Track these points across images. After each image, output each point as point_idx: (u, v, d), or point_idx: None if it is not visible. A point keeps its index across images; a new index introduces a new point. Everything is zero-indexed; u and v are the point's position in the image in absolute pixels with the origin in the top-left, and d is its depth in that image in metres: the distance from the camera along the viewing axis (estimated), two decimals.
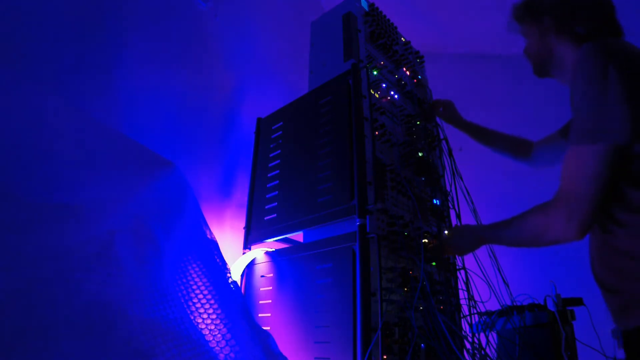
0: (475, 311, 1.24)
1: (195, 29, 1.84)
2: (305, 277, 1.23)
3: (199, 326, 1.00)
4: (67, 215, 0.92)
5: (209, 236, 1.20)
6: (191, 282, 1.07)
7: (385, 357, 0.98)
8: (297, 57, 2.27)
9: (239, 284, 1.35)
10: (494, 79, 2.80)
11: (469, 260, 1.26)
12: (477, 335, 1.17)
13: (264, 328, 1.17)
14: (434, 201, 1.37)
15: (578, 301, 1.19)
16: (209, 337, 0.99)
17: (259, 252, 1.45)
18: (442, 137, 1.52)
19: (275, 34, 2.37)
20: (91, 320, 0.80)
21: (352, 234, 1.12)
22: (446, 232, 1.34)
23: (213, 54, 1.91)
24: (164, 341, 0.87)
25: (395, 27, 1.63)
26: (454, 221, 1.40)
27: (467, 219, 1.38)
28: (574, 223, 0.85)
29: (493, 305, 1.25)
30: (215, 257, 1.17)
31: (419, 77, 1.65)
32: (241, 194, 1.83)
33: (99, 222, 0.97)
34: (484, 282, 1.26)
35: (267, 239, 1.42)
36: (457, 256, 1.33)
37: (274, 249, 1.43)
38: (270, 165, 1.52)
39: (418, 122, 1.45)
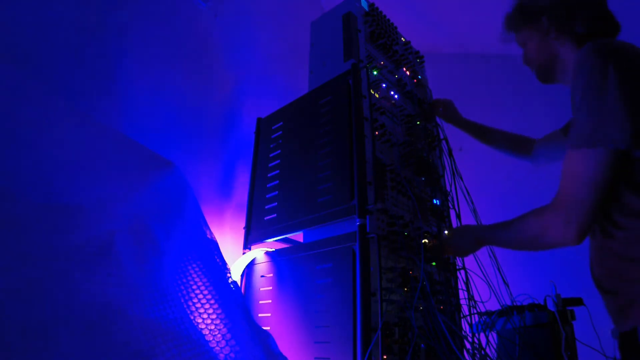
0: (475, 311, 1.24)
1: (195, 29, 1.84)
2: (305, 277, 1.23)
3: (199, 326, 1.00)
4: (67, 215, 0.92)
5: (209, 236, 1.20)
6: (191, 282, 1.07)
7: (385, 357, 0.98)
8: (297, 57, 2.26)
9: (239, 284, 1.35)
10: (493, 79, 2.80)
11: (469, 260, 1.26)
12: (477, 335, 1.17)
13: (264, 328, 1.17)
14: (434, 201, 1.37)
15: (578, 301, 1.19)
16: (209, 337, 0.99)
17: (259, 252, 1.45)
18: (442, 137, 1.52)
19: (275, 34, 2.37)
20: (91, 320, 0.80)
21: (352, 234, 1.12)
22: (446, 232, 1.34)
23: (213, 54, 1.91)
24: (164, 341, 0.87)
25: (395, 27, 1.63)
26: (454, 221, 1.41)
27: (467, 219, 1.38)
28: (572, 227, 0.85)
29: (493, 305, 1.25)
30: (215, 257, 1.17)
31: (419, 77, 1.65)
32: (241, 194, 1.83)
33: (99, 222, 0.97)
34: (484, 282, 1.26)
35: (267, 239, 1.42)
36: (457, 257, 1.33)
37: (274, 249, 1.43)
38: (270, 165, 1.52)
39: (418, 122, 1.45)
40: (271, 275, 1.36)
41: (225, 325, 1.02)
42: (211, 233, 1.21)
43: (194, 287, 1.07)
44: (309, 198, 1.29)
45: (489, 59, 2.81)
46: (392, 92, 1.43)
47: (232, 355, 0.97)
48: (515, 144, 1.45)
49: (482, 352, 1.11)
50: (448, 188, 1.43)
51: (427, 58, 1.75)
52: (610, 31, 1.01)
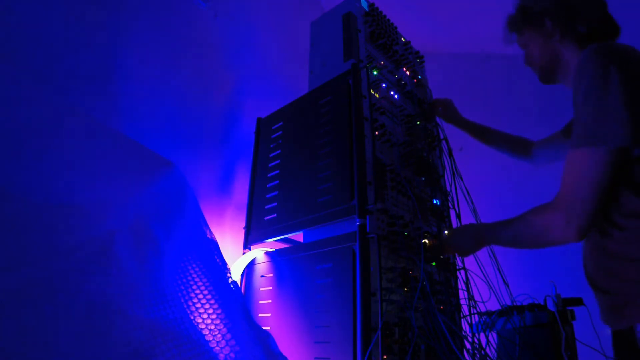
0: (475, 311, 1.23)
1: (195, 29, 1.84)
2: (305, 277, 1.23)
3: (199, 326, 1.00)
4: (67, 215, 0.92)
5: (209, 236, 1.20)
6: (191, 282, 1.07)
7: (385, 357, 0.98)
8: (297, 57, 2.26)
9: (239, 284, 1.35)
10: (494, 79, 2.80)
11: (469, 260, 1.26)
12: (477, 335, 1.17)
13: (264, 328, 1.17)
14: (434, 201, 1.37)
15: (578, 301, 1.19)
16: (209, 337, 0.99)
17: (259, 252, 1.45)
18: (442, 137, 1.52)
19: (275, 34, 2.37)
20: (91, 320, 0.80)
21: (352, 234, 1.12)
22: (446, 232, 1.34)
23: (213, 54, 1.91)
24: (164, 341, 0.87)
25: (395, 27, 1.63)
26: (454, 221, 1.40)
27: (467, 219, 1.38)
28: (573, 225, 0.86)
29: (493, 305, 1.25)
30: (215, 257, 1.17)
31: (419, 77, 1.65)
32: (241, 194, 1.83)
33: (99, 222, 0.97)
34: (484, 282, 1.26)
35: (267, 239, 1.42)
36: (458, 256, 1.33)
37: (274, 249, 1.43)
38: (270, 165, 1.52)
39: (418, 122, 1.45)
40: (271, 275, 1.36)
41: (225, 325, 1.02)
42: (211, 233, 1.21)
43: (194, 287, 1.07)
44: (309, 198, 1.29)
45: (489, 59, 2.81)
46: (392, 92, 1.43)
47: (232, 355, 0.97)
48: (514, 145, 1.46)
49: (482, 352, 1.11)
50: (448, 188, 1.43)
51: (427, 58, 1.75)
52: (611, 34, 1.02)
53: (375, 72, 1.38)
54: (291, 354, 1.13)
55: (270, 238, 1.41)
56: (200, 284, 1.08)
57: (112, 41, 1.44)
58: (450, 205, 1.42)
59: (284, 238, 1.42)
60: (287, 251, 1.35)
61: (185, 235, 1.15)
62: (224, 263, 1.17)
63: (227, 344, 0.98)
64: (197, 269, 1.10)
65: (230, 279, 1.14)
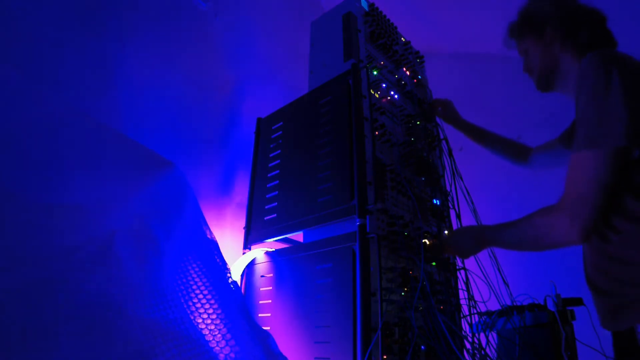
0: (475, 311, 1.24)
1: (195, 29, 1.84)
2: (305, 277, 1.23)
3: (199, 326, 1.00)
4: (67, 215, 0.92)
5: (209, 236, 1.20)
6: (191, 282, 1.07)
7: (385, 357, 0.98)
8: (297, 57, 2.26)
9: (239, 284, 1.35)
10: (493, 79, 2.80)
11: (469, 260, 1.26)
12: (477, 335, 1.17)
13: (264, 328, 1.17)
14: (434, 201, 1.37)
15: (578, 301, 1.19)
16: (209, 337, 0.99)
17: (259, 252, 1.45)
18: (442, 137, 1.52)
19: (276, 34, 2.37)
20: (91, 320, 0.80)
21: (352, 234, 1.12)
22: (446, 232, 1.34)
23: (213, 54, 1.91)
24: (164, 341, 0.87)
25: (395, 27, 1.63)
26: (454, 221, 1.40)
27: (467, 219, 1.38)
28: (577, 226, 0.87)
29: (493, 305, 1.25)
30: (215, 257, 1.17)
31: (419, 77, 1.65)
32: (241, 194, 1.83)
33: (99, 222, 0.97)
34: (484, 282, 1.26)
35: (267, 239, 1.42)
36: (458, 257, 1.33)
37: (274, 249, 1.43)
38: (270, 165, 1.52)
39: (418, 122, 1.45)
40: (271, 275, 1.36)
41: (225, 325, 1.02)
42: (211, 233, 1.21)
43: (194, 287, 1.07)
44: (309, 198, 1.29)
45: (489, 59, 2.81)
46: (392, 92, 1.43)
47: (232, 355, 0.97)
48: (512, 150, 1.47)
49: (482, 352, 1.11)
50: (448, 188, 1.43)
51: (427, 58, 1.75)
52: (609, 46, 1.04)
53: (375, 72, 1.38)
54: (291, 354, 1.13)
55: (270, 238, 1.41)
56: (200, 284, 1.08)
57: (112, 41, 1.44)
58: (450, 205, 1.42)
59: (284, 238, 1.42)
60: (287, 251, 1.35)
61: (185, 235, 1.15)
62: (224, 263, 1.17)
63: (227, 344, 0.98)
64: (197, 269, 1.10)
65: (230, 279, 1.14)
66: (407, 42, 1.67)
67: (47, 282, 0.79)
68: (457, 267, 1.33)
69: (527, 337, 1.17)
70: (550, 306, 1.18)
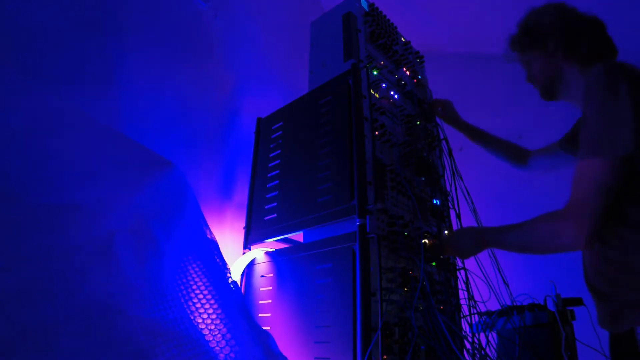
0: (475, 311, 1.23)
1: (195, 29, 1.83)
2: (305, 277, 1.23)
3: (199, 326, 1.00)
4: (67, 215, 0.91)
5: (209, 236, 1.20)
6: (191, 282, 1.07)
7: (385, 357, 0.98)
8: (297, 57, 2.26)
9: (239, 284, 1.35)
10: (493, 79, 2.80)
11: (469, 260, 1.26)
12: (477, 335, 1.17)
13: (264, 328, 1.17)
14: (434, 201, 1.37)
15: (578, 301, 1.19)
16: (209, 337, 0.99)
17: (259, 252, 1.45)
18: (442, 137, 1.52)
19: (275, 34, 2.37)
20: (91, 320, 0.80)
21: (352, 234, 1.12)
22: (446, 232, 1.34)
23: (213, 54, 1.91)
24: (164, 341, 0.86)
25: (395, 27, 1.63)
26: (454, 221, 1.40)
27: (467, 219, 1.38)
28: (584, 232, 0.88)
29: (493, 305, 1.25)
30: (215, 257, 1.17)
31: (419, 77, 1.65)
32: (241, 194, 1.83)
33: (99, 222, 0.97)
34: (484, 282, 1.26)
35: (267, 239, 1.42)
36: (458, 258, 1.33)
37: (274, 249, 1.43)
38: (270, 165, 1.52)
39: (418, 122, 1.45)
40: (271, 275, 1.36)
41: (225, 325, 1.02)
42: (211, 233, 1.21)
43: (194, 287, 1.06)
44: (309, 198, 1.29)
45: (489, 59, 2.81)
46: (392, 92, 1.43)
47: (232, 355, 0.97)
48: (511, 152, 1.49)
49: (482, 352, 1.11)
50: (448, 188, 1.43)
51: (427, 58, 1.75)
52: (611, 54, 1.06)
53: (375, 72, 1.38)
54: (291, 354, 1.13)
55: (270, 238, 1.41)
56: (200, 284, 1.08)
57: (112, 41, 1.44)
58: (450, 205, 1.42)
59: (284, 238, 1.42)
60: (287, 251, 1.35)
61: (185, 236, 1.15)
62: (224, 263, 1.17)
63: (227, 344, 0.98)
64: (197, 269, 1.10)
65: (230, 279, 1.14)
66: (407, 42, 1.67)
67: (47, 282, 0.79)
68: (457, 267, 1.33)
69: (527, 337, 1.17)
70: (550, 306, 1.18)
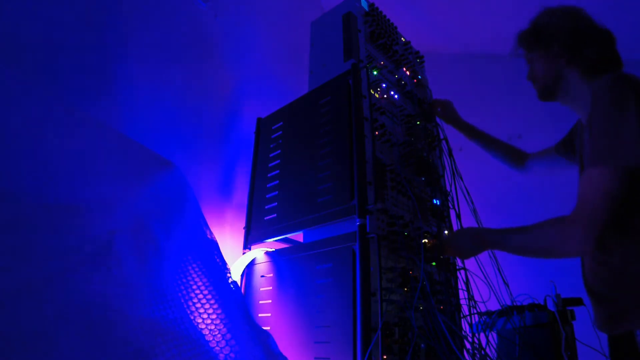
0: (475, 311, 1.23)
1: (195, 29, 1.83)
2: (305, 277, 1.23)
3: (199, 326, 1.00)
4: (67, 215, 0.92)
5: (209, 236, 1.20)
6: (191, 282, 1.07)
7: (385, 357, 0.98)
8: (297, 57, 2.27)
9: (239, 284, 1.35)
10: (493, 79, 2.80)
11: (469, 260, 1.26)
12: (477, 335, 1.17)
13: (264, 328, 1.17)
14: (434, 201, 1.37)
15: (578, 301, 1.19)
16: (209, 337, 0.99)
17: (259, 252, 1.45)
18: (442, 137, 1.52)
19: (275, 34, 2.37)
20: (91, 320, 0.80)
21: (352, 234, 1.12)
22: (446, 232, 1.34)
23: (213, 54, 1.91)
24: (164, 341, 0.87)
25: (395, 27, 1.63)
26: (454, 221, 1.40)
27: (467, 219, 1.38)
28: (591, 238, 0.89)
29: (493, 305, 1.25)
30: (215, 257, 1.17)
31: (419, 77, 1.65)
32: (241, 194, 1.83)
33: (99, 222, 0.97)
34: (484, 282, 1.26)
35: (267, 239, 1.42)
36: (459, 258, 1.33)
37: (274, 249, 1.43)
38: (270, 165, 1.52)
39: (418, 122, 1.45)
40: (271, 275, 1.36)
41: (225, 325, 1.02)
42: (211, 233, 1.21)
43: (194, 287, 1.07)
44: (309, 198, 1.29)
45: (489, 59, 2.81)
46: (392, 92, 1.43)
47: (232, 355, 0.97)
48: (509, 154, 1.50)
49: (482, 352, 1.11)
50: (448, 188, 1.43)
51: (427, 58, 1.75)
52: (615, 66, 1.07)
53: (375, 72, 1.38)
54: (291, 354, 1.13)
55: (270, 238, 1.41)
56: (200, 284, 1.08)
57: (112, 41, 1.44)
58: (450, 205, 1.42)
59: (284, 238, 1.42)
60: (287, 251, 1.35)
61: (186, 236, 1.15)
62: (224, 263, 1.17)
63: (227, 344, 0.98)
64: (197, 269, 1.10)
65: (230, 279, 1.14)
66: (407, 42, 1.67)
67: (47, 282, 0.79)
68: (457, 267, 1.33)
69: (527, 337, 1.17)
70: (550, 306, 1.18)
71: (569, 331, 1.14)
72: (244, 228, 1.53)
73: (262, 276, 1.40)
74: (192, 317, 0.99)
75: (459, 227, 1.35)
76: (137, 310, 0.89)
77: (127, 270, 0.94)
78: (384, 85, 1.40)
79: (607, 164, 0.87)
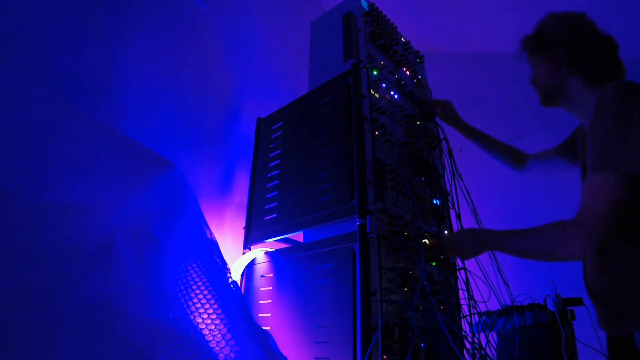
0: (475, 311, 1.23)
1: (195, 29, 1.84)
2: (305, 277, 1.23)
3: (199, 326, 1.00)
4: (67, 215, 0.92)
5: (209, 236, 1.20)
6: (191, 282, 1.07)
7: (385, 357, 0.98)
8: (297, 57, 2.27)
9: (239, 284, 1.35)
10: (494, 79, 2.80)
11: (469, 260, 1.26)
12: (477, 335, 1.17)
13: (264, 328, 1.17)
14: (434, 201, 1.37)
15: (578, 301, 1.19)
16: (209, 337, 0.99)
17: (259, 252, 1.45)
18: (442, 137, 1.52)
19: (276, 34, 2.37)
20: (91, 320, 0.80)
21: (352, 234, 1.12)
22: (446, 232, 1.34)
23: (213, 54, 1.91)
24: (164, 341, 0.86)
25: (395, 27, 1.63)
26: (454, 221, 1.40)
27: (467, 219, 1.38)
28: (593, 242, 0.90)
29: (493, 305, 1.25)
30: (215, 257, 1.17)
31: (419, 77, 1.65)
32: (241, 194, 1.83)
33: (99, 222, 0.97)
34: (484, 282, 1.26)
35: (267, 239, 1.42)
36: (458, 259, 1.33)
37: (274, 249, 1.43)
38: (270, 165, 1.52)
39: (418, 122, 1.45)
40: (271, 275, 1.36)
41: (225, 325, 1.02)
42: (211, 233, 1.21)
43: (194, 287, 1.07)
44: (309, 198, 1.29)
45: (489, 59, 2.81)
46: (392, 92, 1.43)
47: (232, 355, 0.97)
48: (508, 155, 1.50)
49: (482, 352, 1.11)
50: (448, 188, 1.43)
51: (427, 58, 1.74)
52: (618, 73, 1.07)
53: (375, 72, 1.38)
54: (291, 354, 1.13)
55: (270, 238, 1.41)
56: (200, 284, 1.08)
57: (112, 41, 1.44)
58: (450, 205, 1.42)
59: (284, 238, 1.42)
60: (287, 251, 1.35)
61: (186, 236, 1.15)
62: (224, 263, 1.17)
63: (227, 344, 0.98)
64: (197, 269, 1.10)
65: (230, 279, 1.14)
66: (407, 42, 1.67)
67: (47, 282, 0.79)
68: (457, 267, 1.33)
69: (527, 337, 1.17)
70: (550, 306, 1.18)
71: (569, 331, 1.14)
72: (244, 228, 1.53)
73: (262, 276, 1.40)
74: (192, 317, 0.99)
75: (459, 227, 1.35)
76: (137, 310, 0.89)
77: (127, 270, 0.94)
78: (384, 85, 1.40)
79: (611, 170, 0.88)
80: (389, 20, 1.60)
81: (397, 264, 1.13)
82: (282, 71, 2.33)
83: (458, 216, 1.39)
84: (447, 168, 1.45)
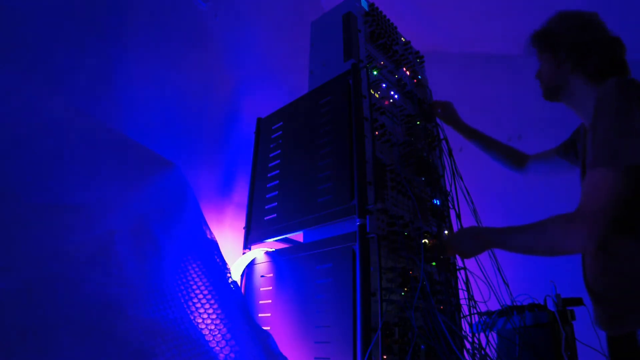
0: (475, 311, 1.23)
1: (195, 29, 1.84)
2: (305, 277, 1.23)
3: (199, 326, 1.00)
4: (67, 215, 0.92)
5: (209, 236, 1.20)
6: (191, 282, 1.07)
7: (385, 357, 0.98)
8: (297, 57, 2.26)
9: (239, 284, 1.35)
10: (494, 79, 2.80)
11: (469, 260, 1.26)
12: (477, 335, 1.17)
13: (264, 328, 1.17)
14: (434, 201, 1.37)
15: (578, 301, 1.19)
16: (209, 337, 0.99)
17: (259, 252, 1.45)
18: (442, 137, 1.52)
19: (275, 34, 2.37)
20: (91, 320, 0.80)
21: (352, 234, 1.12)
22: (446, 232, 1.34)
23: (213, 54, 1.91)
24: (164, 341, 0.87)
25: (395, 27, 1.63)
26: (454, 221, 1.40)
27: (467, 219, 1.38)
28: (594, 237, 0.90)
29: (493, 305, 1.25)
30: (215, 257, 1.17)
31: (419, 77, 1.65)
32: (241, 194, 1.83)
33: (99, 222, 0.97)
34: (484, 282, 1.26)
35: (267, 239, 1.42)
36: (459, 258, 1.33)
37: (274, 249, 1.43)
38: (270, 165, 1.52)
39: (418, 122, 1.45)
40: (271, 275, 1.36)
41: (225, 325, 1.02)
42: (211, 233, 1.21)
43: (194, 287, 1.07)
44: (309, 198, 1.29)
45: (489, 59, 2.81)
46: (392, 92, 1.43)
47: (232, 355, 0.97)
48: (509, 156, 1.50)
49: (482, 352, 1.11)
50: (448, 188, 1.43)
51: (427, 58, 1.74)
52: (621, 73, 1.08)
53: (375, 72, 1.38)
54: (291, 354, 1.13)
55: (270, 238, 1.41)
56: (200, 284, 1.08)
57: (112, 41, 1.44)
58: (450, 205, 1.42)
59: (284, 238, 1.42)
60: (287, 251, 1.35)
61: (185, 235, 1.15)
62: (224, 263, 1.17)
63: (227, 344, 0.98)
64: (197, 269, 1.10)
65: (230, 279, 1.14)
66: (407, 42, 1.67)
67: (47, 282, 0.79)
68: (457, 267, 1.33)
69: (527, 337, 1.17)
70: (550, 306, 1.18)
71: (569, 331, 1.14)
72: (244, 228, 1.53)
73: (262, 276, 1.40)
74: (192, 317, 0.99)
75: (459, 227, 1.35)
76: (137, 310, 0.89)
77: (127, 270, 0.94)
78: (384, 85, 1.40)
79: (612, 164, 0.88)
80: (389, 20, 1.60)
81: (397, 264, 1.13)
82: (282, 71, 2.33)
83: (458, 216, 1.39)
84: (447, 168, 1.45)
